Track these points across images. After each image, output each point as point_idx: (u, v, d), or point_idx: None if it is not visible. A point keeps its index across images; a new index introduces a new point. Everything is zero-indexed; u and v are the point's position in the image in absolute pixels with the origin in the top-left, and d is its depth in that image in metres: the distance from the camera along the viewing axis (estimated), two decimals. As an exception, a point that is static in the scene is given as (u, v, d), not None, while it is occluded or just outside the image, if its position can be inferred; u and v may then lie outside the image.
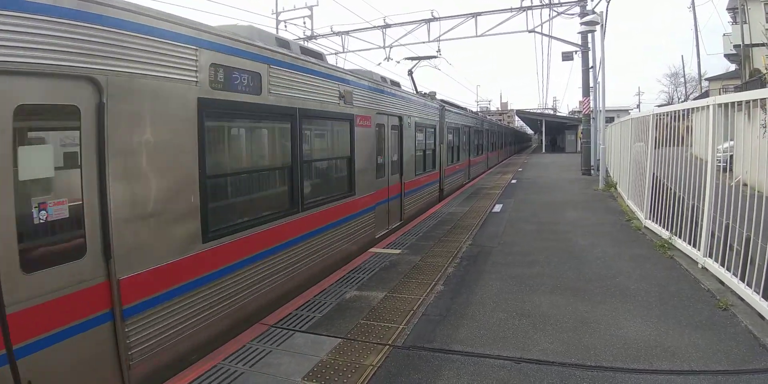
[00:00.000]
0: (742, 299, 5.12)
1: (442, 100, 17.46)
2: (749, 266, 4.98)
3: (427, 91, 17.39)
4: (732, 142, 6.11)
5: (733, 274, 5.35)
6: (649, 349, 4.25)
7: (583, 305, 5.40)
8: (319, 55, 7.60)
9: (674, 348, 4.25)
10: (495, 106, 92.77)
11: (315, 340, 4.71)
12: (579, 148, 26.33)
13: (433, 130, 14.34)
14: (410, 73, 17.07)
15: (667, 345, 4.32)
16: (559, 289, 6.00)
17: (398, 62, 24.47)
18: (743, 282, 5.09)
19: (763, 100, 4.86)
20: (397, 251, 8.11)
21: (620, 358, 4.13)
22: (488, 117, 36.82)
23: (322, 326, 5.02)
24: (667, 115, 8.23)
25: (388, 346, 4.50)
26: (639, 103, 66.10)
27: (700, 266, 6.42)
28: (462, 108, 22.33)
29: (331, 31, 23.28)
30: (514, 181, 19.62)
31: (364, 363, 4.18)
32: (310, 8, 22.63)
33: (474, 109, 45.87)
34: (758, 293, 4.73)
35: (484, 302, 5.59)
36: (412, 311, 5.35)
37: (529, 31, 21.40)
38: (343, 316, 5.29)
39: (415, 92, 15.10)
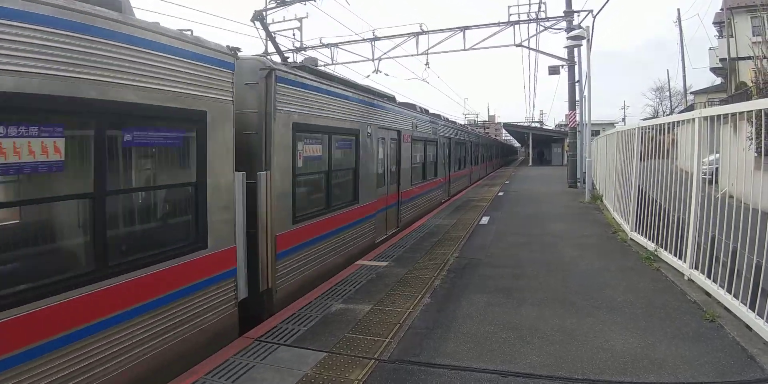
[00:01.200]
0: (728, 311, 5.12)
1: (327, 74, 8.90)
2: (735, 278, 4.99)
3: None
4: (717, 155, 6.16)
5: (720, 285, 5.37)
6: (636, 362, 4.22)
7: (570, 318, 5.37)
8: None
9: (661, 360, 4.23)
10: (482, 119, 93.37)
11: (299, 353, 4.63)
12: (565, 161, 26.51)
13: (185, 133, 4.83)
14: (260, 19, 9.02)
15: (654, 357, 4.30)
16: (546, 301, 5.96)
17: (387, 75, 24.41)
18: (730, 293, 5.09)
19: (749, 112, 4.90)
20: (384, 263, 8.05)
21: (607, 370, 4.09)
22: (455, 122, 24.72)
23: (307, 340, 4.94)
24: (653, 128, 8.30)
25: (373, 360, 4.43)
26: (624, 116, 67.01)
27: (686, 278, 6.43)
28: (386, 96, 11.52)
29: (321, 42, 23.34)
30: (501, 194, 19.66)
31: (349, 378, 4.10)
32: (300, 20, 22.61)
33: (461, 121, 45.88)
34: (745, 304, 4.73)
35: (470, 315, 5.54)
36: (399, 324, 5.29)
37: (517, 45, 21.58)
38: (328, 329, 5.22)
39: (281, 60, 8.12)
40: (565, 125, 24.38)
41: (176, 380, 4.15)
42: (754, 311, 4.57)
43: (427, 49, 22.25)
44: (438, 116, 18.68)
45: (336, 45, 23.35)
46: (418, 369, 4.25)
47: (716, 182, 6.40)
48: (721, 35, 30.20)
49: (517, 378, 4.04)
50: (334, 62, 23.32)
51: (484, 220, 12.71)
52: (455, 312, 5.65)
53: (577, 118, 20.95)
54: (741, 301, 4.82)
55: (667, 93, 54.99)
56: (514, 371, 4.15)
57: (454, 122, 24.40)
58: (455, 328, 5.16)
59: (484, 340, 4.81)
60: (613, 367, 4.14)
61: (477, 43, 21.78)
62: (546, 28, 21.40)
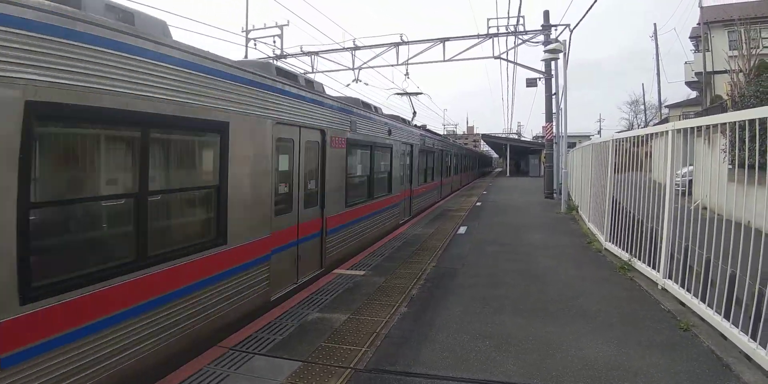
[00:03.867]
0: (703, 320, 5.18)
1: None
2: (710, 287, 5.06)
3: None
4: (691, 167, 6.27)
5: (694, 295, 5.43)
6: (610, 370, 4.23)
7: (546, 327, 5.38)
8: None
9: (636, 369, 4.25)
10: (461, 130, 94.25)
11: (275, 363, 4.55)
12: (542, 172, 26.80)
13: None
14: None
15: (628, 366, 4.31)
16: (523, 310, 5.98)
17: (367, 84, 24.42)
18: (704, 303, 5.15)
19: (723, 125, 5.00)
20: (362, 272, 8.00)
21: (582, 379, 4.10)
22: (421, 127, 20.82)
23: (283, 349, 4.86)
24: (627, 140, 8.42)
25: (349, 370, 4.37)
26: (600, 129, 68.23)
27: (659, 287, 6.50)
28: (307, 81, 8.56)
29: (301, 50, 23.35)
30: (479, 204, 19.77)
31: (324, 387, 4.04)
32: (281, 28, 22.65)
33: (441, 132, 46.08)
34: (719, 314, 4.78)
35: (447, 324, 5.52)
36: (375, 333, 5.24)
37: (495, 58, 21.88)
38: (304, 338, 5.14)
39: None
40: (542, 137, 24.61)
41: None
42: (728, 320, 4.62)
43: (407, 60, 22.40)
44: (397, 117, 15.80)
45: (316, 53, 23.38)
46: (394, 378, 4.20)
47: (690, 194, 6.52)
48: (697, 49, 30.95)
49: (494, 387, 4.03)
50: (315, 71, 23.33)
51: (462, 229, 12.74)
52: (432, 321, 5.62)
53: (554, 130, 21.24)
54: (715, 311, 4.87)
55: (642, 106, 56.14)
56: (489, 380, 4.13)
57: (423, 127, 21.27)
58: (432, 337, 5.13)
59: (461, 349, 4.79)
60: (588, 376, 4.14)
61: (456, 55, 22.00)
62: (524, 41, 21.70)
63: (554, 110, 21.01)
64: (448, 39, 21.77)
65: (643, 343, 4.81)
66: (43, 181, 3.64)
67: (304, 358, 4.63)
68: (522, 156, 58.00)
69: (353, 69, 23.31)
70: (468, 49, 21.80)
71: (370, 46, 22.77)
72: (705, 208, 5.32)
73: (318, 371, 4.34)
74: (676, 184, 6.37)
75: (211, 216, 5.49)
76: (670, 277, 6.28)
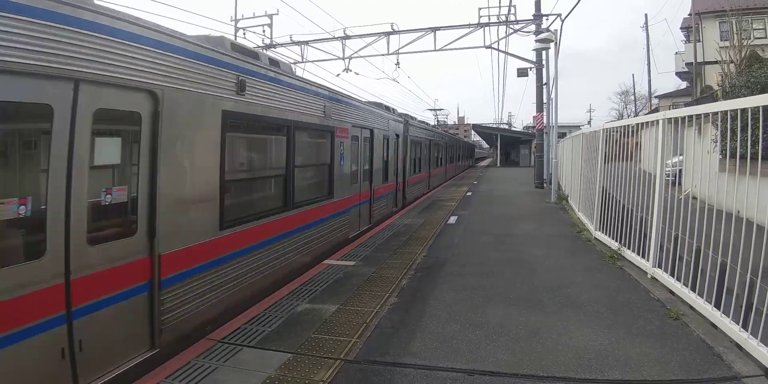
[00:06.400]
0: (693, 309, 5.19)
1: None
2: (700, 276, 5.06)
3: None
4: (681, 157, 6.26)
5: (684, 284, 5.44)
6: (600, 359, 4.23)
7: (536, 316, 5.38)
8: None
9: (626, 357, 4.25)
10: (452, 120, 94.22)
11: (263, 355, 4.51)
12: (533, 163, 26.84)
13: None
14: None
15: (618, 354, 4.32)
16: (513, 299, 5.97)
17: (357, 74, 24.28)
18: (694, 292, 5.16)
19: (714, 114, 4.97)
20: (352, 263, 7.97)
21: (572, 368, 4.09)
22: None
23: (272, 341, 4.82)
24: (618, 130, 8.41)
25: (339, 361, 4.34)
26: (590, 119, 68.45)
27: (649, 276, 6.52)
28: None
29: (291, 40, 23.11)
30: (469, 194, 19.80)
31: (314, 378, 4.01)
32: (270, 17, 22.36)
33: (431, 122, 45.84)
34: (710, 303, 4.78)
35: (437, 314, 5.50)
36: (365, 324, 5.21)
37: (487, 47, 21.77)
38: (293, 329, 5.10)
39: None
40: (533, 127, 24.60)
41: (138, 382, 4.00)
42: (719, 309, 4.62)
43: (398, 49, 22.25)
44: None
45: (306, 43, 23.15)
46: (384, 369, 4.18)
47: (680, 184, 6.52)
48: (688, 40, 30.88)
49: (483, 376, 4.01)
50: (305, 60, 23.14)
51: (452, 219, 12.74)
52: (422, 311, 5.60)
53: (545, 120, 21.23)
54: (705, 300, 4.88)
55: (632, 97, 56.23)
56: (480, 370, 4.12)
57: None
58: (422, 327, 5.12)
59: (451, 339, 4.77)
60: (578, 365, 4.14)
61: (447, 44, 21.89)
62: (515, 31, 21.62)
63: (545, 100, 20.99)
64: (438, 28, 21.64)
65: (633, 332, 4.82)
66: None
67: (293, 349, 4.60)
68: (512, 146, 58.07)
69: (344, 58, 23.13)
70: (459, 38, 21.71)
71: (361, 36, 22.60)
72: (695, 198, 5.31)
73: (308, 363, 4.31)
74: (666, 174, 6.37)
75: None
76: (659, 266, 6.29)
